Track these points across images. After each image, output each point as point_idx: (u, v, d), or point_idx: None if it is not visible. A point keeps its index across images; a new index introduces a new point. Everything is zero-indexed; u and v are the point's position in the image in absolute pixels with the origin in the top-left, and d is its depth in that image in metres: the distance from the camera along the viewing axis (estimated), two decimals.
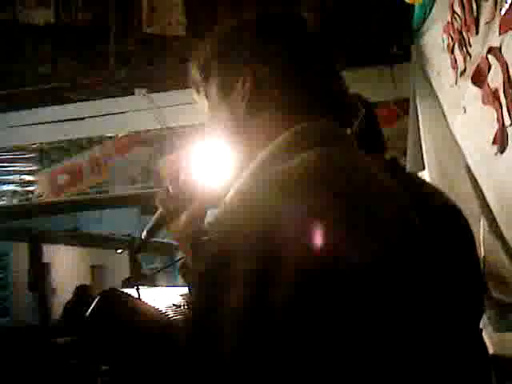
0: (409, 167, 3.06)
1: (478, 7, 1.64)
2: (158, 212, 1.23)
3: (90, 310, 1.56)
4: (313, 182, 0.72)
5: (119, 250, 8.01)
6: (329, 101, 0.95)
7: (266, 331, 0.67)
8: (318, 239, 0.68)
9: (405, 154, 3.49)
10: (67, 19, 3.32)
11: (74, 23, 3.32)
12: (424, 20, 2.84)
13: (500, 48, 1.42)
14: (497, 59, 1.46)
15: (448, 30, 2.13)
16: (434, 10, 2.55)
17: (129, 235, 7.12)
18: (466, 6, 1.77)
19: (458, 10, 1.89)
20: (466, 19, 1.80)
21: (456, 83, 2.12)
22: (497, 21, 1.41)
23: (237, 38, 0.98)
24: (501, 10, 1.39)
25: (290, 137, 0.88)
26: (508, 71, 1.41)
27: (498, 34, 1.39)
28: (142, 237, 1.24)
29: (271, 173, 0.77)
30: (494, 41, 1.44)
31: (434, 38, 2.60)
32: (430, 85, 2.85)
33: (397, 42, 3.48)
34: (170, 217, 1.17)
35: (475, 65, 1.66)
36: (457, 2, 1.89)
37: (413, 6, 2.93)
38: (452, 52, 2.12)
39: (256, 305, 0.67)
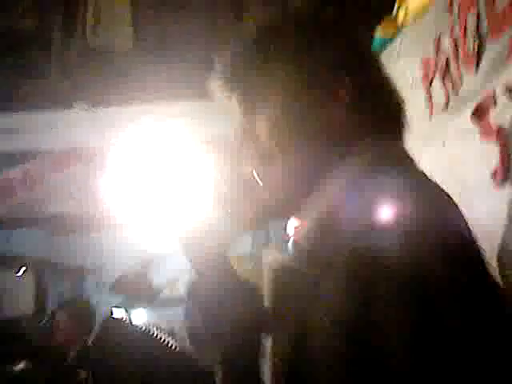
0: None
1: (480, 46, 1.72)
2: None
3: (93, 338, 1.47)
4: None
5: (20, 273, 7.49)
6: (396, 117, 0.98)
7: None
8: None
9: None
10: (7, 25, 3.10)
11: (15, 30, 3.11)
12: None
13: None
14: (510, 97, 1.53)
15: (426, 65, 2.21)
16: (397, 46, 2.64)
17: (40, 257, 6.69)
18: (462, 44, 1.84)
19: (446, 46, 1.97)
20: (458, 56, 1.88)
21: (430, 118, 2.19)
22: None
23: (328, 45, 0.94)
24: None
25: (376, 156, 0.89)
26: None
27: None
28: None
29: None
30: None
31: (395, 73, 2.69)
32: None
33: None
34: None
35: (475, 101, 1.73)
36: (446, 38, 1.97)
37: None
38: (430, 86, 2.20)
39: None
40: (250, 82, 0.92)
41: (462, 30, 1.84)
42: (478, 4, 1.72)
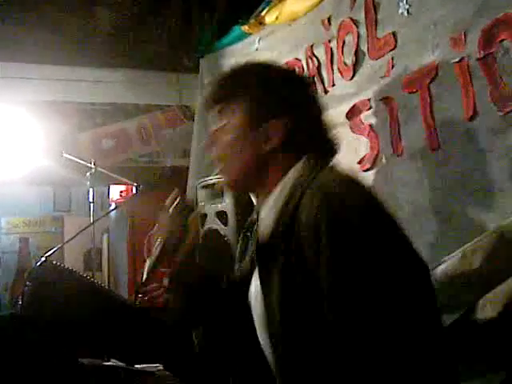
0: (193, 168, 3.48)
1: (357, 62, 2.22)
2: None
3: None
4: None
5: None
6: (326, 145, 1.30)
7: None
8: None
9: (185, 154, 3.91)
10: None
11: None
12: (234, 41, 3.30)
13: (391, 97, 2.03)
14: (385, 103, 2.06)
15: (293, 65, 2.66)
16: (256, 42, 3.04)
17: None
18: (338, 56, 2.33)
19: (321, 54, 2.44)
20: (332, 64, 2.36)
21: None
22: (396, 76, 2.01)
23: (272, 86, 1.25)
24: (391, 67, 2.02)
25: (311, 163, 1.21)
26: (396, 113, 2.02)
27: (401, 88, 1.99)
28: None
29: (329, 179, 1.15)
30: (390, 91, 2.04)
31: None
32: None
33: (186, 53, 3.87)
34: None
35: (350, 103, 2.23)
36: (321, 48, 2.43)
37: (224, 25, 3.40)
38: None
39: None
40: (224, 106, 1.27)
41: (340, 46, 2.33)
42: (358, 28, 2.22)
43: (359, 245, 1.03)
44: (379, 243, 1.04)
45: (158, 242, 1.38)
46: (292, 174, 1.21)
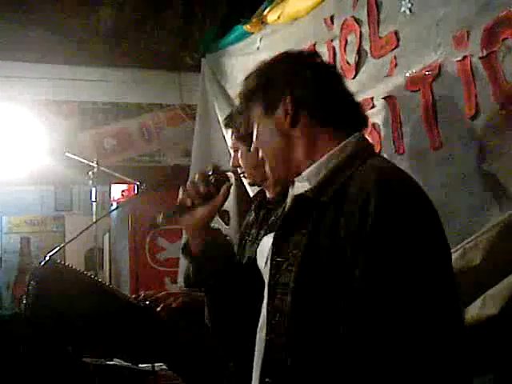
0: (194, 167, 3.48)
1: (359, 61, 2.22)
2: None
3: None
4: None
5: None
6: (355, 116, 1.35)
7: None
8: None
9: (186, 153, 3.91)
10: None
11: None
12: (234, 43, 3.32)
13: (394, 96, 2.03)
14: (387, 102, 2.06)
15: None
16: (257, 41, 3.05)
17: None
18: (341, 55, 2.33)
19: (323, 53, 2.44)
20: (335, 63, 2.36)
21: None
22: (398, 75, 2.01)
23: (275, 69, 1.34)
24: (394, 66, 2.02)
25: (353, 148, 1.27)
26: (398, 112, 2.02)
27: (403, 87, 1.99)
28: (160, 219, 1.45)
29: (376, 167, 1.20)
30: (393, 90, 2.04)
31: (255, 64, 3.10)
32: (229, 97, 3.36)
33: (188, 52, 3.87)
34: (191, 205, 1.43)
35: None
36: (323, 47, 2.43)
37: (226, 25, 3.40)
38: None
39: None
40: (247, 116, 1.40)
41: (343, 45, 2.33)
42: (361, 27, 2.22)
43: (405, 233, 1.07)
44: (423, 237, 1.09)
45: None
46: (339, 150, 1.25)
